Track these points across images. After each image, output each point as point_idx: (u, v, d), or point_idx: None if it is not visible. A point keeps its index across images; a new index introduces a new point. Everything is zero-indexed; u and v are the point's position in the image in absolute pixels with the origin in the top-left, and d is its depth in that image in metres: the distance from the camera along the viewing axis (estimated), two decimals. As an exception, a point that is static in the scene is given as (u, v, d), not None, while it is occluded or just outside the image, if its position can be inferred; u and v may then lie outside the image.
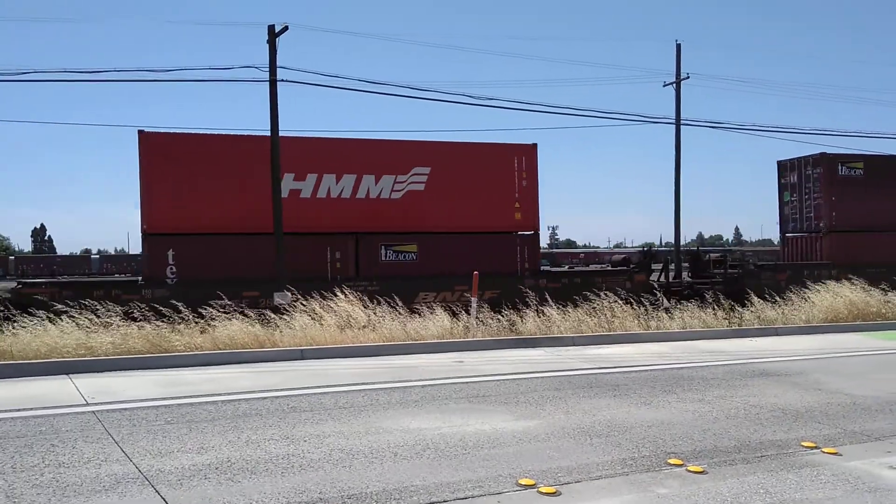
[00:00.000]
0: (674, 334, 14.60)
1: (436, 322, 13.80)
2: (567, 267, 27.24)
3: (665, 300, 18.63)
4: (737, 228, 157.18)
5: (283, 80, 18.25)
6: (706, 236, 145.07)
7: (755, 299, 17.34)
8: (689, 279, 22.04)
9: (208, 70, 18.60)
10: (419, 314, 14.12)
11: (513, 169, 20.03)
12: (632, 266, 21.91)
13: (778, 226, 25.57)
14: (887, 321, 16.79)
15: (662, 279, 21.94)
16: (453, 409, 7.92)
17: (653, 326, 15.20)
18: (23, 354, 11.15)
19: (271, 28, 18.26)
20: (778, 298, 17.63)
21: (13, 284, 17.75)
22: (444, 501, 4.97)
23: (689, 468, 5.70)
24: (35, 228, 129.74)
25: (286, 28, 18.26)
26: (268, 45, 18.19)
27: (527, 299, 15.56)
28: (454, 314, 14.30)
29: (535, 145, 20.49)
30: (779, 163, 25.15)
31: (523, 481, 5.34)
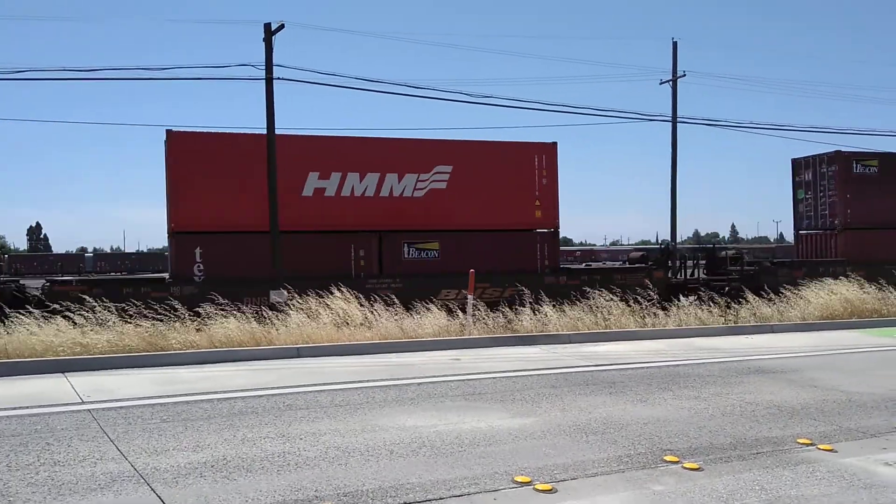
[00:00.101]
0: (670, 331, 14.62)
1: (432, 320, 13.81)
2: (584, 265, 27.33)
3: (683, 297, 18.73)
4: (733, 226, 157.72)
5: (279, 79, 18.22)
6: (702, 234, 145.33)
7: (750, 296, 17.38)
8: (705, 276, 22.09)
9: (204, 68, 18.59)
10: (433, 311, 14.27)
11: (533, 167, 20.17)
12: (650, 263, 22.06)
13: (792, 223, 25.78)
14: (883, 318, 16.84)
15: (680, 276, 22.08)
16: (449, 406, 7.92)
17: (649, 324, 15.22)
18: (18, 353, 11.13)
19: (267, 26, 18.23)
20: (793, 294, 17.66)
21: (41, 282, 17.81)
22: (441, 499, 4.97)
23: (685, 465, 5.70)
24: (31, 227, 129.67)
25: (282, 26, 18.23)
26: (264, 44, 18.16)
27: (545, 296, 15.78)
28: (468, 311, 14.44)
29: (555, 144, 20.63)
30: (793, 160, 25.33)
31: (519, 478, 5.35)
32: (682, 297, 18.59)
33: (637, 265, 22.05)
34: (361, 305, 14.19)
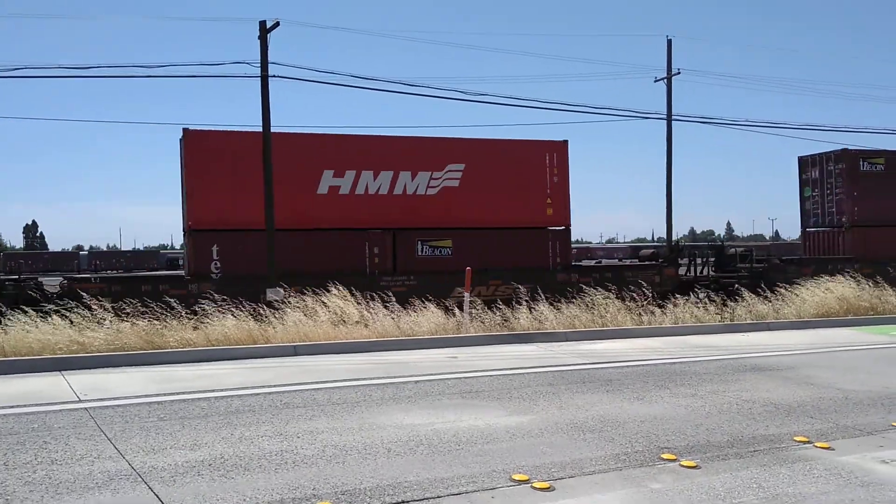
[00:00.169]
0: (667, 329, 14.64)
1: (429, 318, 13.80)
2: (595, 262, 27.40)
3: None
4: (728, 224, 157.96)
5: (274, 77, 18.19)
6: (698, 231, 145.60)
7: (746, 294, 17.41)
8: (714, 273, 22.18)
9: (200, 66, 18.59)
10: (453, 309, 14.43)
11: (544, 165, 20.30)
12: (660, 260, 22.18)
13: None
14: (879, 315, 16.88)
15: (690, 273, 22.18)
16: (446, 404, 7.92)
17: (646, 322, 15.23)
18: (15, 351, 11.11)
19: (262, 24, 18.19)
20: (789, 292, 17.72)
21: (59, 279, 17.86)
22: (438, 497, 4.97)
23: (682, 463, 5.71)
24: (27, 225, 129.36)
25: (277, 24, 18.19)
26: (259, 42, 18.13)
27: (560, 292, 16.02)
28: (489, 308, 14.69)
29: (566, 142, 20.75)
30: (800, 158, 25.49)
31: (517, 476, 5.35)
32: (692, 294, 18.64)
33: (648, 262, 22.22)
34: (374, 302, 14.33)
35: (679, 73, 32.40)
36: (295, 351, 11.77)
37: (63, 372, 10.01)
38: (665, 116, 31.17)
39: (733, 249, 25.13)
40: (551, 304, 15.23)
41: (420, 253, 19.09)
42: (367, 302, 14.38)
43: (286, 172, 18.01)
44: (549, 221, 20.45)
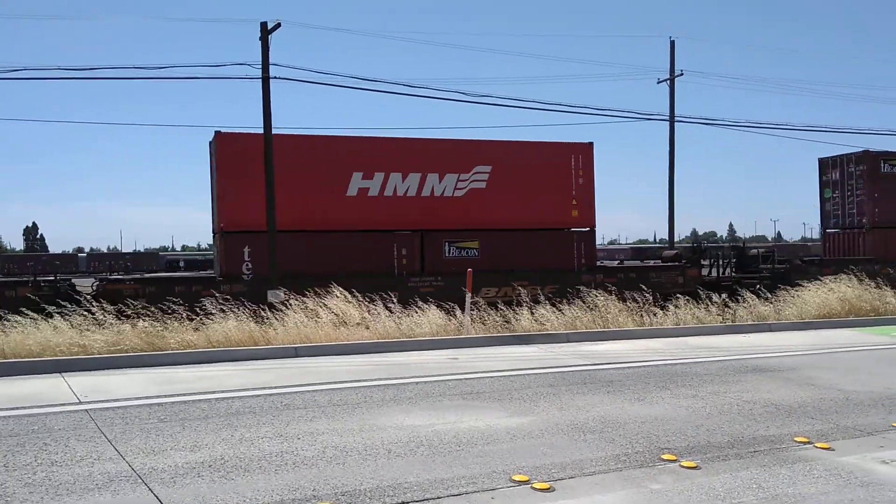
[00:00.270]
0: (667, 330, 14.63)
1: (430, 319, 13.80)
2: (617, 262, 27.61)
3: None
4: (730, 225, 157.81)
5: (275, 78, 18.21)
6: (700, 233, 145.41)
7: (748, 295, 17.39)
8: (734, 274, 22.24)
9: (201, 67, 18.62)
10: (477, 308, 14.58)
11: (570, 167, 20.43)
12: (683, 262, 22.34)
13: (819, 222, 26.18)
14: (880, 316, 16.86)
15: (713, 274, 22.27)
16: (447, 405, 7.92)
17: (647, 323, 15.22)
18: (15, 353, 11.12)
19: (264, 25, 18.21)
20: (790, 294, 17.75)
21: (91, 280, 18.00)
22: (438, 498, 4.97)
23: (682, 464, 5.71)
24: (27, 227, 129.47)
25: (278, 25, 18.21)
26: (260, 42, 18.14)
27: (584, 293, 16.11)
28: (510, 305, 14.81)
29: (591, 144, 20.92)
30: (820, 160, 25.68)
31: (517, 477, 5.35)
32: (714, 295, 18.74)
33: (671, 263, 22.38)
34: (405, 305, 14.53)
35: (682, 74, 32.48)
36: (296, 352, 11.77)
37: (63, 374, 10.02)
38: (667, 118, 31.20)
39: (755, 250, 25.29)
40: (576, 303, 15.49)
41: (447, 254, 19.26)
42: (397, 304, 14.55)
43: (316, 175, 18.29)
44: (574, 223, 20.61)
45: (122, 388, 9.08)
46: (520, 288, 16.73)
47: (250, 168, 17.69)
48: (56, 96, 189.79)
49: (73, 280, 17.73)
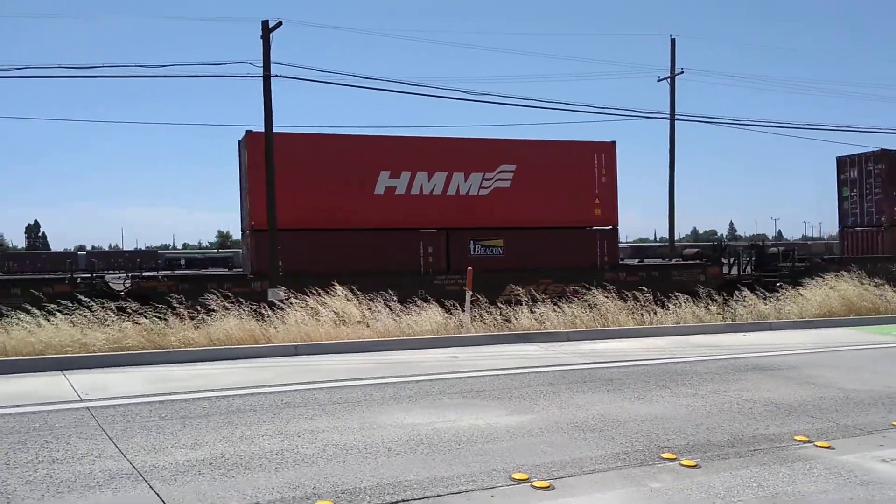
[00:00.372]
0: (668, 329, 14.63)
1: (430, 318, 13.81)
2: (637, 261, 27.85)
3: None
4: (731, 223, 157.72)
5: (277, 76, 18.23)
6: (700, 231, 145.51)
7: (748, 293, 17.41)
8: (753, 272, 22.35)
9: (202, 66, 18.68)
10: (506, 305, 14.82)
11: (593, 166, 20.67)
12: (704, 260, 22.54)
13: (837, 220, 26.37)
14: (881, 315, 16.86)
15: (734, 272, 22.45)
16: (447, 404, 7.93)
17: (647, 321, 15.23)
18: (16, 351, 11.13)
19: (265, 23, 18.23)
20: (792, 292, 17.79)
21: (123, 277, 18.18)
22: (438, 496, 4.98)
23: (682, 462, 5.71)
24: (29, 225, 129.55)
25: (280, 23, 18.22)
26: (262, 41, 18.15)
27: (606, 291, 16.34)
28: (533, 301, 15.03)
29: (614, 143, 21.23)
30: (838, 159, 25.88)
31: (517, 476, 5.36)
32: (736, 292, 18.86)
33: (693, 262, 22.63)
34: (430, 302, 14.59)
35: (682, 72, 32.50)
36: (296, 350, 11.79)
37: (65, 371, 10.03)
38: (668, 116, 31.20)
39: (774, 249, 25.54)
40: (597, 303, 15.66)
41: (472, 252, 19.49)
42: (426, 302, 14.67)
43: (344, 174, 18.50)
44: (597, 221, 20.84)
45: (123, 385, 9.09)
46: (544, 285, 16.93)
47: (283, 166, 18.00)
48: (57, 95, 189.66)
49: (106, 277, 17.91)
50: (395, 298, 14.64)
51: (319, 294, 14.21)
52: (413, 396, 8.34)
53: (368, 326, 13.48)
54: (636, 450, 6.09)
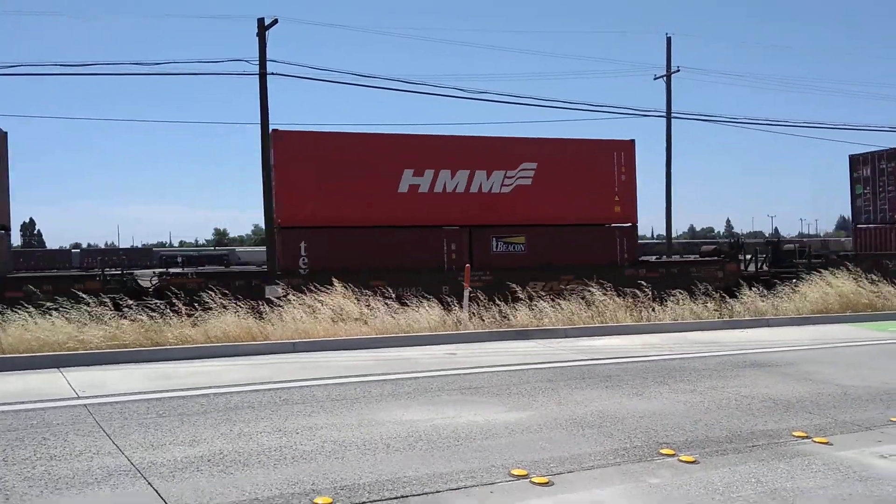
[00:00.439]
0: (666, 326, 14.66)
1: (428, 315, 13.80)
2: (654, 258, 28.06)
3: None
4: (728, 221, 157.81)
5: (273, 74, 18.26)
6: (697, 229, 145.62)
7: (746, 290, 17.45)
8: (767, 269, 22.48)
9: (198, 63, 18.63)
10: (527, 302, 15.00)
11: (612, 164, 20.79)
12: (722, 256, 22.78)
13: (850, 217, 26.42)
14: (877, 311, 16.89)
15: (750, 269, 22.62)
16: (446, 400, 7.93)
17: (645, 318, 15.24)
18: (13, 348, 11.11)
19: (261, 21, 18.23)
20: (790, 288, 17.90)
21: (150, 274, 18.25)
22: (437, 492, 4.97)
23: (680, 458, 5.71)
24: (24, 223, 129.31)
25: (275, 21, 18.23)
26: (258, 39, 18.13)
27: (629, 287, 16.69)
28: (555, 297, 15.24)
29: (633, 141, 21.29)
30: (851, 157, 26.06)
31: (516, 472, 5.35)
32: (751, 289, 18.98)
33: (711, 258, 22.88)
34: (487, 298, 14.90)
35: (678, 70, 32.50)
36: (294, 348, 11.78)
37: (62, 369, 10.02)
38: (664, 114, 31.23)
39: (790, 246, 25.77)
40: (622, 296, 15.99)
41: (495, 249, 19.61)
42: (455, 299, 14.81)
43: (368, 172, 18.59)
44: (616, 218, 20.96)
45: (121, 382, 9.08)
46: (565, 282, 17.06)
47: (307, 165, 18.17)
48: (54, 94, 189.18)
49: (135, 274, 17.99)
50: (423, 294, 14.96)
51: (346, 290, 14.44)
52: (412, 393, 8.33)
53: (367, 324, 13.47)
54: (635, 446, 6.09)
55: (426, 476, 5.29)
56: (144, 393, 8.39)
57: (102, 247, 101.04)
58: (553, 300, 15.30)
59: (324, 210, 18.20)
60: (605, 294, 15.67)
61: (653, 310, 15.66)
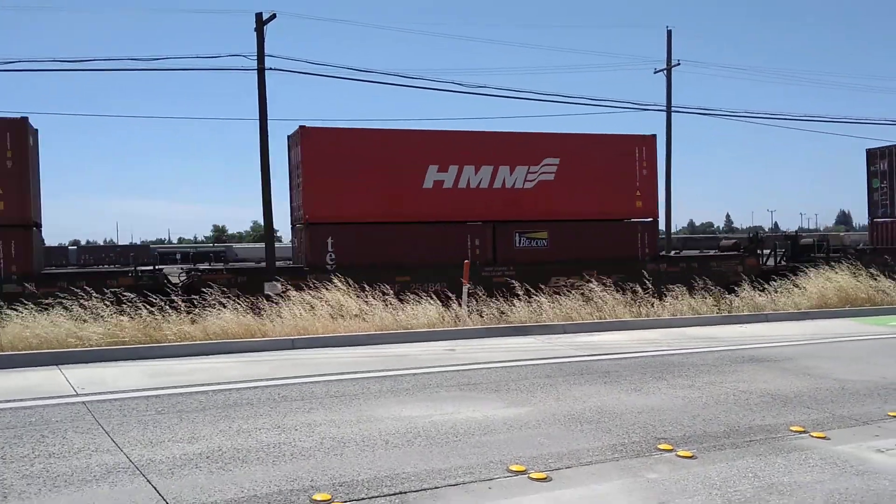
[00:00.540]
0: (664, 321, 14.65)
1: (427, 311, 13.80)
2: (674, 252, 28.25)
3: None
4: (727, 215, 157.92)
5: (271, 69, 18.22)
6: (697, 223, 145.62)
7: (745, 286, 17.47)
8: (786, 263, 22.56)
9: (196, 59, 18.60)
10: (558, 295, 15.26)
11: (634, 159, 20.95)
12: (742, 251, 22.99)
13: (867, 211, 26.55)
14: (876, 306, 16.89)
15: (770, 263, 22.77)
16: (444, 397, 7.93)
17: (643, 313, 15.24)
18: (12, 345, 11.10)
19: (259, 16, 18.19)
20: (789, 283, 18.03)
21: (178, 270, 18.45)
22: (436, 488, 4.98)
23: (678, 453, 5.73)
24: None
25: (273, 16, 18.18)
26: (255, 34, 18.10)
27: (651, 281, 16.81)
28: (584, 295, 15.43)
29: (654, 136, 21.48)
30: (868, 150, 26.11)
31: (514, 467, 5.36)
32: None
33: (730, 252, 23.12)
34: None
35: (679, 63, 32.48)
36: (293, 344, 11.77)
37: (60, 366, 10.01)
38: (664, 108, 31.20)
39: (808, 240, 25.92)
40: (641, 291, 16.13)
41: (518, 244, 19.82)
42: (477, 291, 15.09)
43: (393, 168, 18.77)
44: (638, 213, 21.14)
45: (120, 379, 9.08)
46: (588, 276, 17.20)
47: (334, 161, 18.32)
48: (52, 90, 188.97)
49: (164, 270, 18.18)
50: (446, 290, 15.26)
51: (373, 287, 14.62)
52: (410, 389, 8.34)
53: (366, 320, 13.47)
54: (633, 441, 6.10)
55: (424, 472, 5.30)
56: (143, 390, 8.39)
57: (101, 244, 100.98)
58: (553, 295, 15.36)
59: (350, 206, 18.39)
60: (604, 289, 15.67)
61: (651, 305, 15.66)
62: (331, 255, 18.20)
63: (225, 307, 13.09)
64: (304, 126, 18.57)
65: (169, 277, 17.22)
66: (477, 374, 9.22)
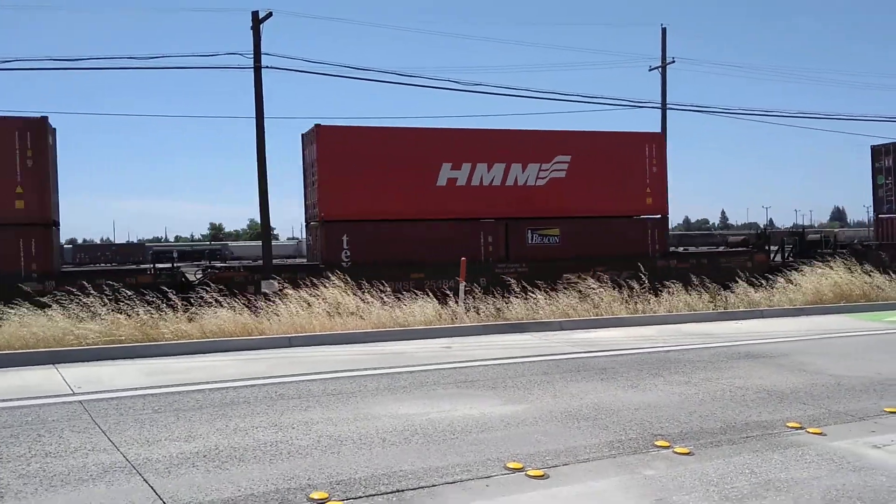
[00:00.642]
0: (661, 318, 14.67)
1: (424, 309, 13.81)
2: (682, 249, 28.43)
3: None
4: (723, 212, 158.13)
5: (267, 67, 18.18)
6: (692, 220, 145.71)
7: (740, 282, 17.52)
8: (793, 259, 22.68)
9: (192, 57, 18.60)
10: (563, 291, 15.48)
11: (644, 156, 21.12)
12: (751, 247, 23.21)
13: (872, 207, 26.68)
14: (871, 302, 16.94)
15: (778, 258, 22.97)
16: (441, 394, 7.94)
17: (640, 310, 15.27)
18: (9, 344, 11.08)
19: (255, 14, 18.15)
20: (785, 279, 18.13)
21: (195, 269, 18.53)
22: (433, 486, 4.98)
23: (675, 450, 5.73)
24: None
25: (270, 14, 18.15)
26: (252, 32, 18.07)
27: (660, 278, 17.11)
28: (580, 292, 15.56)
29: (664, 134, 21.88)
30: (873, 147, 26.21)
31: (511, 465, 5.37)
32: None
33: (739, 248, 23.42)
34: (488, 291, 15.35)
35: (674, 61, 32.51)
36: (289, 342, 11.77)
37: (57, 365, 9.99)
38: (659, 105, 31.21)
39: (814, 236, 26.14)
40: (654, 288, 16.42)
41: (530, 241, 20.02)
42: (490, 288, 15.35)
43: (407, 166, 18.91)
44: (648, 210, 21.32)
45: (116, 378, 9.07)
46: (599, 273, 17.30)
47: (349, 160, 18.40)
48: (50, 89, 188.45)
49: (182, 269, 18.28)
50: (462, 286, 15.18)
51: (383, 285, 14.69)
52: (407, 387, 8.34)
53: (362, 318, 13.47)
54: (630, 438, 6.11)
55: (422, 470, 5.30)
56: (140, 388, 8.38)
57: (97, 242, 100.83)
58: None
59: (365, 204, 18.46)
60: (600, 285, 15.71)
61: (648, 302, 15.69)
62: (346, 253, 18.32)
63: (222, 305, 13.09)
64: (319, 125, 18.66)
65: (186, 275, 17.32)
66: (474, 372, 9.23)
